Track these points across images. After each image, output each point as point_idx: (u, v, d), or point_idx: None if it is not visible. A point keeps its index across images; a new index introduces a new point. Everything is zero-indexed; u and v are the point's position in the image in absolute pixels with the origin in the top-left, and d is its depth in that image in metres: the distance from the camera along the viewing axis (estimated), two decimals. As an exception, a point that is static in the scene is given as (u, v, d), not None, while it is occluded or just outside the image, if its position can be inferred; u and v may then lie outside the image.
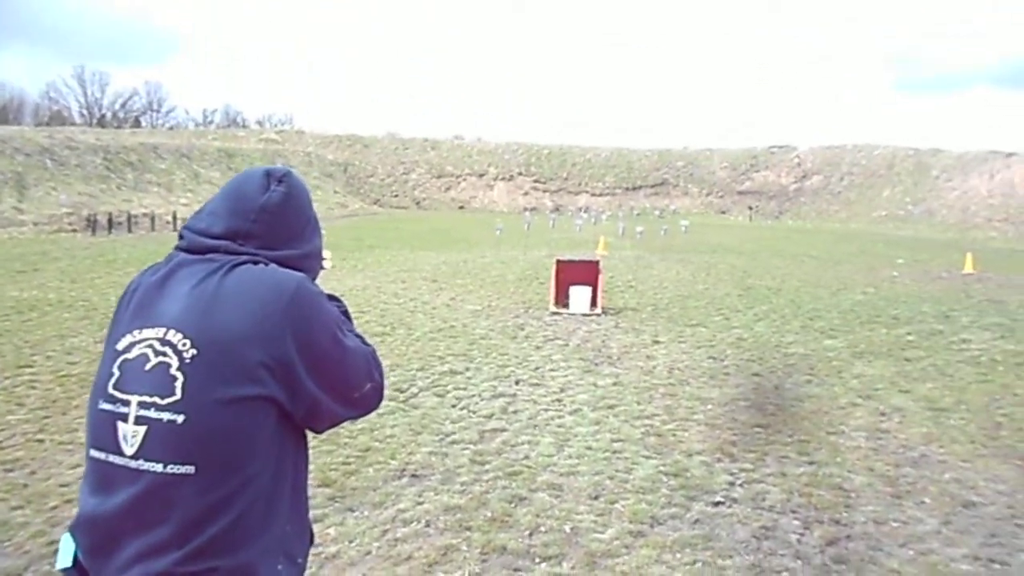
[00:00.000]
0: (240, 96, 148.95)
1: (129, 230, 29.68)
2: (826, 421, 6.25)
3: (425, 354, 8.49)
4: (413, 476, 4.88)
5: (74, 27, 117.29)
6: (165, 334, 1.34)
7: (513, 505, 4.44)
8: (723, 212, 63.61)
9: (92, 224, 28.49)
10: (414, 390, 6.97)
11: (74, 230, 28.25)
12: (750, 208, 62.09)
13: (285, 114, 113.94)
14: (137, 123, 78.13)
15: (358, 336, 1.54)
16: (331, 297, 1.61)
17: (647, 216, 53.76)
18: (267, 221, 1.46)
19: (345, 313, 1.60)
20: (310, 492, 4.52)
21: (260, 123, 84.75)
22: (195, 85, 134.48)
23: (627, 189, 66.68)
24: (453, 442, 5.54)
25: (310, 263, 1.54)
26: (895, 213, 53.09)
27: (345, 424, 6.07)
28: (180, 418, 1.29)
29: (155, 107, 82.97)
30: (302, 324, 1.37)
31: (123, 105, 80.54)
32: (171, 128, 75.38)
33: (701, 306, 12.57)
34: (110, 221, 29.28)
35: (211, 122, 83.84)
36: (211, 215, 1.48)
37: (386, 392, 5.80)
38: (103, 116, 77.15)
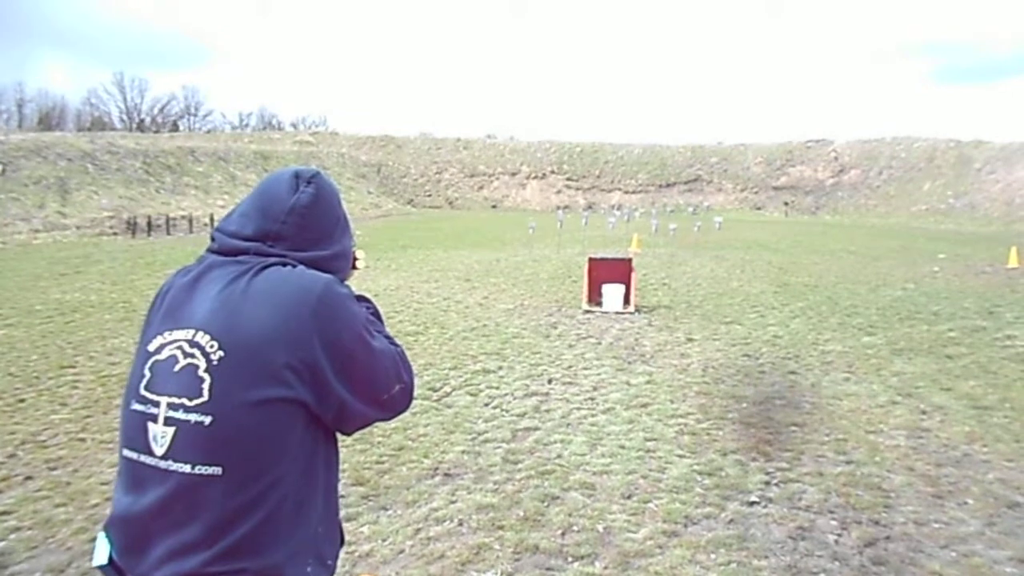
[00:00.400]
0: (275, 99, 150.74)
1: (168, 232, 30.23)
2: (865, 420, 6.16)
3: (458, 353, 8.53)
4: (446, 475, 4.91)
5: (113, 34, 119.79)
6: (194, 335, 1.36)
7: (546, 504, 4.44)
8: (758, 208, 62.90)
9: (132, 227, 29.06)
10: (447, 389, 7.00)
11: (115, 233, 28.85)
12: (786, 203, 61.31)
13: (319, 116, 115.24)
14: (175, 127, 79.53)
15: (387, 337, 1.54)
16: (360, 298, 1.60)
17: (681, 213, 53.36)
18: (296, 223, 1.47)
19: (375, 314, 1.60)
20: (343, 491, 4.57)
21: (295, 125, 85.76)
22: (231, 89, 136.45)
23: (660, 186, 66.25)
24: (486, 441, 5.56)
25: (340, 263, 1.55)
26: (936, 207, 52.01)
27: (377, 423, 6.14)
28: (207, 419, 1.30)
29: (192, 111, 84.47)
30: (329, 326, 1.37)
31: (161, 110, 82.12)
32: (208, 132, 76.62)
33: (736, 303, 12.45)
34: (149, 224, 29.84)
35: (247, 125, 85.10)
36: (241, 217, 1.49)
37: (419, 391, 5.78)
38: (142, 121, 78.68)
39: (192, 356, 1.34)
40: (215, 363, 1.32)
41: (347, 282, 1.71)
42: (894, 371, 7.82)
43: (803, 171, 65.39)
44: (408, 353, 8.25)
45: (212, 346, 1.33)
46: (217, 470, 1.29)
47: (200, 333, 1.35)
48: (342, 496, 4.49)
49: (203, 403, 1.31)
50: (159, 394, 1.34)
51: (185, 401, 1.32)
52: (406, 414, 6.06)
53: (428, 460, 5.15)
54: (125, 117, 78.55)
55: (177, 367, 1.34)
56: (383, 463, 5.09)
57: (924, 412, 6.40)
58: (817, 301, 12.69)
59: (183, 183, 39.63)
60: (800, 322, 10.73)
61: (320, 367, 1.35)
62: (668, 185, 66.42)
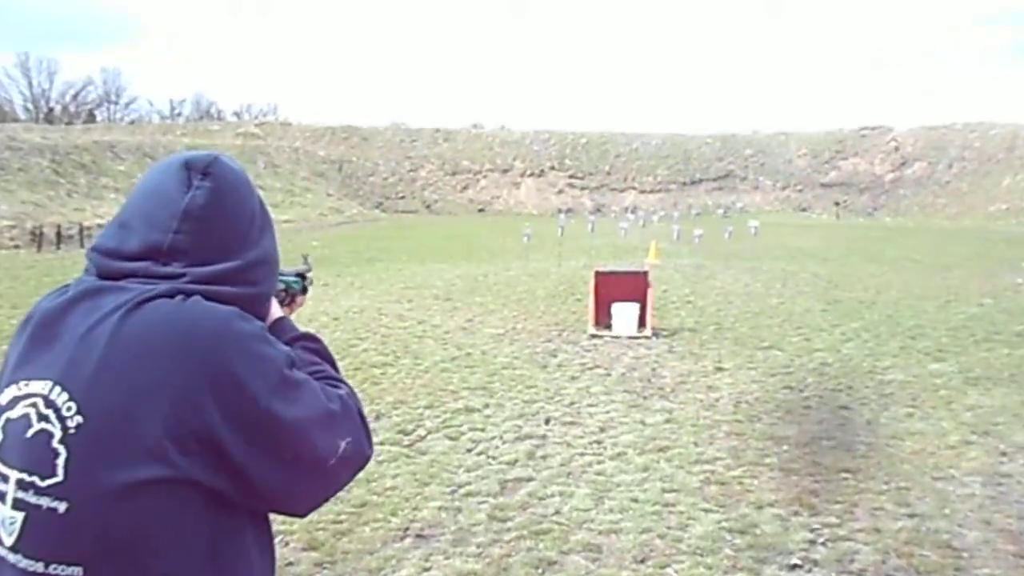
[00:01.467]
0: (214, 83, 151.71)
1: (81, 244, 30.17)
2: (931, 464, 6.16)
3: (435, 388, 8.51)
4: (419, 536, 4.89)
5: (15, 6, 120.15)
6: (50, 391, 1.25)
7: (541, 571, 4.42)
8: (803, 209, 63.27)
9: (38, 238, 29.02)
10: (421, 432, 6.98)
11: (16, 246, 28.79)
12: (836, 204, 61.69)
13: (268, 103, 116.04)
14: (91, 117, 79.68)
15: (329, 378, 1.45)
16: (304, 337, 1.53)
17: (708, 216, 53.61)
18: (194, 230, 1.36)
19: (320, 353, 1.52)
20: (291, 557, 4.55)
21: (238, 115, 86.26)
22: (161, 72, 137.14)
23: (683, 184, 66.62)
24: (468, 494, 5.53)
25: (260, 272, 1.44)
26: (1018, 205, 52.35)
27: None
28: (62, 506, 1.20)
29: (113, 98, 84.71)
30: (227, 380, 1.25)
31: (75, 97, 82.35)
32: (132, 123, 76.85)
33: (775, 324, 12.48)
34: (59, 235, 29.80)
35: (179, 115, 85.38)
36: (121, 229, 1.38)
37: (387, 434, 5.81)
38: (51, 110, 78.83)
39: (46, 419, 1.24)
40: (72, 432, 1.22)
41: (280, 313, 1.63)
42: (968, 404, 7.83)
43: (857, 164, 65.88)
44: (375, 389, 8.18)
45: (69, 408, 1.23)
46: (76, 571, 1.21)
47: (57, 389, 1.25)
48: (289, 564, 4.46)
49: (56, 484, 1.21)
50: (9, 466, 1.25)
51: (36, 480, 1.22)
52: (370, 464, 6.03)
53: (397, 519, 5.13)
54: (30, 106, 78.71)
55: (29, 432, 1.24)
56: (341, 522, 5.06)
57: (1004, 454, 6.40)
58: (874, 321, 12.74)
59: (100, 185, 39.64)
60: (854, 346, 10.75)
61: (219, 438, 1.24)
62: (693, 183, 66.82)
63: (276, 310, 1.58)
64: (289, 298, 1.80)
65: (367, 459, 1.44)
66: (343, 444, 1.36)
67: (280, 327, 1.54)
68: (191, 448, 1.22)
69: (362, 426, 1.43)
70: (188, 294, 1.31)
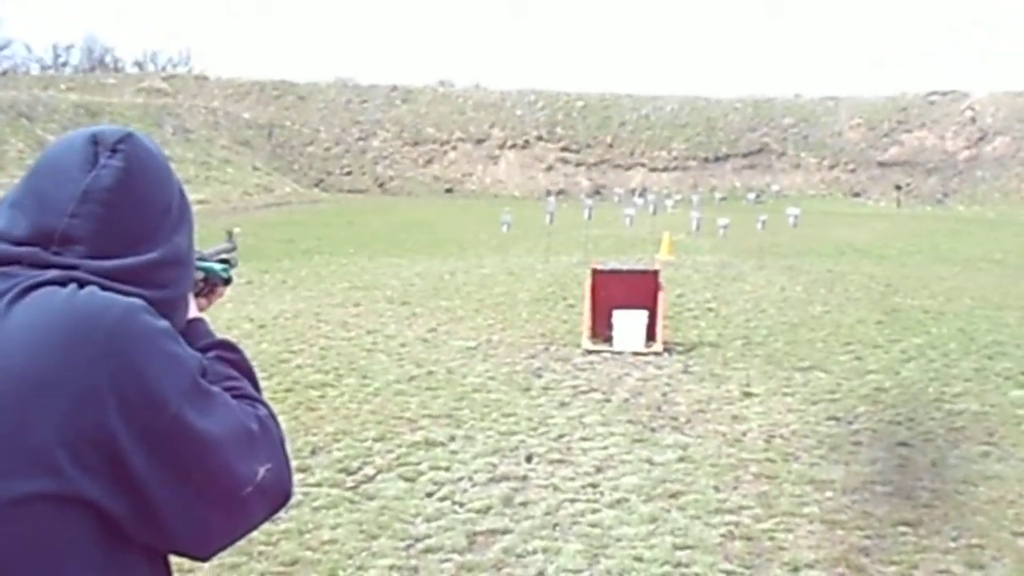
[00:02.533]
0: (109, 25, 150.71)
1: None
2: (1012, 515, 6.20)
3: (387, 416, 8.49)
4: (364, 603, 4.88)
5: None
6: None
7: (518, 648, 4.42)
8: (856, 194, 63.69)
9: None
10: (369, 471, 6.96)
11: None
12: (898, 188, 62.11)
13: (178, 52, 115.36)
14: (-50, 65, 78.99)
15: (248, 397, 1.50)
16: (221, 344, 1.57)
17: (736, 202, 53.82)
18: (94, 214, 1.40)
19: (237, 366, 1.56)
20: (202, 628, 4.53)
21: (140, 65, 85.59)
22: (41, 9, 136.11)
23: (705, 160, 66.91)
24: (427, 550, 5.53)
25: (170, 274, 1.48)
26: (1124, 193, 52.89)
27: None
28: None
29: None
30: (130, 379, 1.30)
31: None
32: (3, 74, 76.20)
33: (819, 339, 12.54)
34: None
35: (65, 64, 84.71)
36: (12, 209, 1.43)
37: (326, 473, 5.80)
38: None
39: None
40: None
41: (198, 311, 1.66)
42: (1058, 442, 7.90)
43: (924, 139, 66.38)
44: (311, 416, 8.21)
45: None
46: None
47: None
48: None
49: None
50: None
51: None
52: (304, 510, 6.04)
53: (337, 581, 5.12)
54: None
55: None
56: (266, 585, 5.05)
57: (1102, 504, 6.46)
58: (943, 336, 12.82)
59: (-38, 152, 39.30)
60: (916, 367, 10.81)
61: (119, 447, 1.28)
62: (718, 159, 67.14)
63: (192, 309, 1.62)
64: (208, 288, 1.82)
65: (287, 496, 1.49)
66: (262, 471, 1.41)
67: (194, 330, 1.57)
68: (86, 458, 1.26)
69: (284, 456, 1.48)
70: (82, 284, 1.35)
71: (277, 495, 1.47)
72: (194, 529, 1.37)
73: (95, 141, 1.44)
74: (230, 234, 2.04)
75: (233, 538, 1.45)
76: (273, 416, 1.51)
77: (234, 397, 1.44)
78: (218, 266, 1.82)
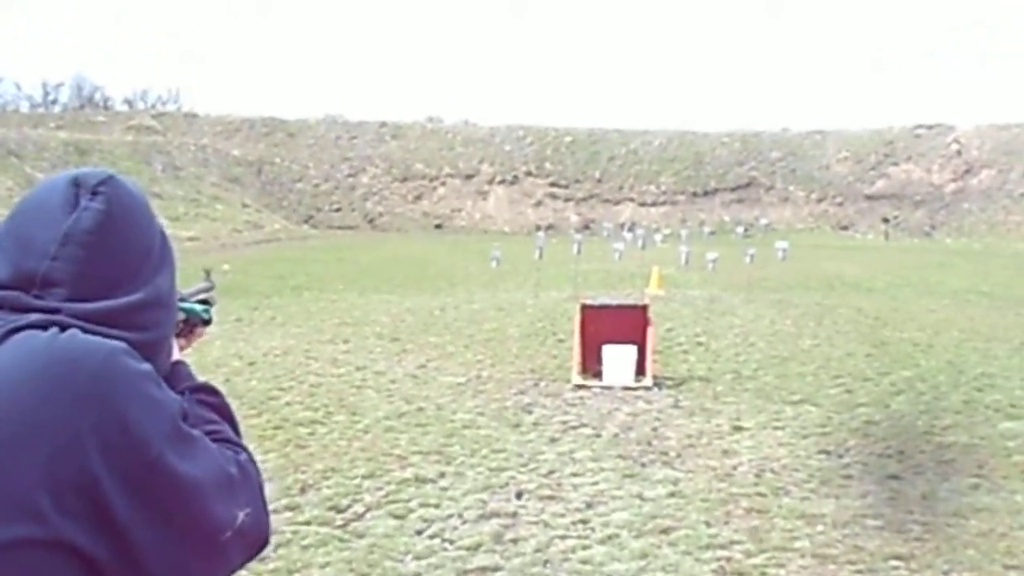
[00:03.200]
0: (99, 63, 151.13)
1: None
2: (1003, 548, 6.20)
3: (377, 453, 8.48)
4: (353, 643, 4.85)
5: None
6: None
7: None
8: (844, 227, 63.89)
9: None
10: (358, 508, 6.94)
11: None
12: (885, 221, 62.34)
13: (168, 90, 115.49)
14: (-60, 104, 79.07)
15: (227, 441, 1.51)
16: (202, 388, 1.58)
17: (725, 235, 53.98)
18: (75, 257, 1.41)
19: (216, 408, 1.57)
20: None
21: (130, 103, 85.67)
22: (31, 46, 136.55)
23: (694, 194, 67.12)
24: (417, 589, 5.50)
25: (152, 316, 1.49)
26: (1110, 225, 53.18)
27: (249, 564, 6.05)
28: None
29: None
30: (113, 423, 1.30)
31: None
32: (-8, 111, 76.23)
33: (809, 373, 12.56)
34: None
35: (55, 101, 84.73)
36: None
37: (316, 511, 5.76)
38: None
39: None
40: None
41: (178, 353, 1.67)
42: (1048, 474, 7.91)
43: (911, 172, 66.73)
44: (300, 453, 8.19)
45: None
46: None
47: None
48: None
49: None
50: None
51: None
52: (293, 549, 6.00)
53: (326, 620, 5.10)
54: None
55: None
56: (255, 626, 5.02)
57: (1093, 536, 6.46)
58: (932, 368, 12.84)
59: (-49, 191, 39.27)
60: (906, 400, 10.84)
61: (102, 491, 1.28)
62: (706, 193, 67.34)
63: (174, 352, 1.63)
64: (188, 329, 1.82)
65: (265, 541, 1.52)
66: (241, 515, 1.42)
67: (176, 373, 1.59)
68: (69, 504, 1.26)
69: (262, 501, 1.49)
70: (64, 327, 1.35)
71: (256, 540, 1.48)
72: (175, 573, 1.37)
73: (76, 183, 1.45)
74: (208, 273, 2.04)
75: None
76: (252, 460, 1.52)
77: (214, 441, 1.46)
78: (199, 307, 1.83)
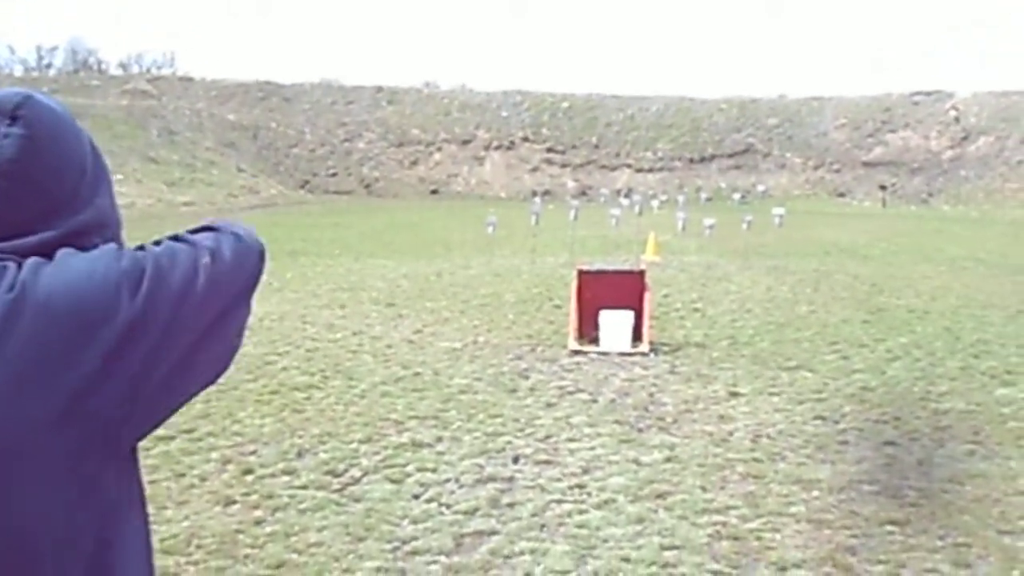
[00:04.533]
0: (94, 26, 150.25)
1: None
2: (997, 513, 6.21)
3: (373, 417, 8.48)
4: (350, 606, 4.87)
5: None
6: None
7: (506, 649, 4.42)
8: (841, 194, 63.89)
9: None
10: (355, 472, 6.94)
11: None
12: (883, 188, 62.36)
13: (163, 53, 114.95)
14: (-68, 67, 78.63)
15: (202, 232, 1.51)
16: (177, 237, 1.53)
17: (722, 202, 53.95)
18: (3, 190, 1.32)
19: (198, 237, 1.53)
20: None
21: (124, 67, 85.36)
22: (25, 10, 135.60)
23: (691, 161, 67.05)
24: (414, 552, 5.52)
25: (97, 238, 1.42)
26: (1107, 193, 53.18)
27: (245, 528, 6.00)
28: None
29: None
30: (155, 341, 1.31)
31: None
32: (-14, 75, 75.85)
33: (805, 339, 12.57)
34: None
35: (49, 65, 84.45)
36: None
37: (313, 475, 5.71)
38: None
39: None
40: None
41: None
42: (1043, 440, 7.94)
43: (908, 139, 66.66)
44: (297, 417, 8.23)
45: None
46: None
47: None
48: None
49: None
50: None
51: None
52: (292, 512, 6.02)
53: (323, 583, 5.10)
54: None
55: None
56: (252, 589, 5.03)
57: (1087, 502, 6.49)
58: (928, 335, 12.87)
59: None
60: (902, 366, 10.85)
61: (143, 374, 1.30)
62: (703, 159, 67.28)
63: None
64: None
65: (256, 272, 1.61)
66: (206, 257, 1.42)
67: None
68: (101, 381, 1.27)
69: (229, 231, 1.53)
70: (3, 263, 1.29)
71: (240, 254, 1.53)
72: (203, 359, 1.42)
73: None
74: None
75: (231, 319, 1.52)
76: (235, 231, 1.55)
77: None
78: None
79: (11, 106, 1.34)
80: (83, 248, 1.36)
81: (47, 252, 1.32)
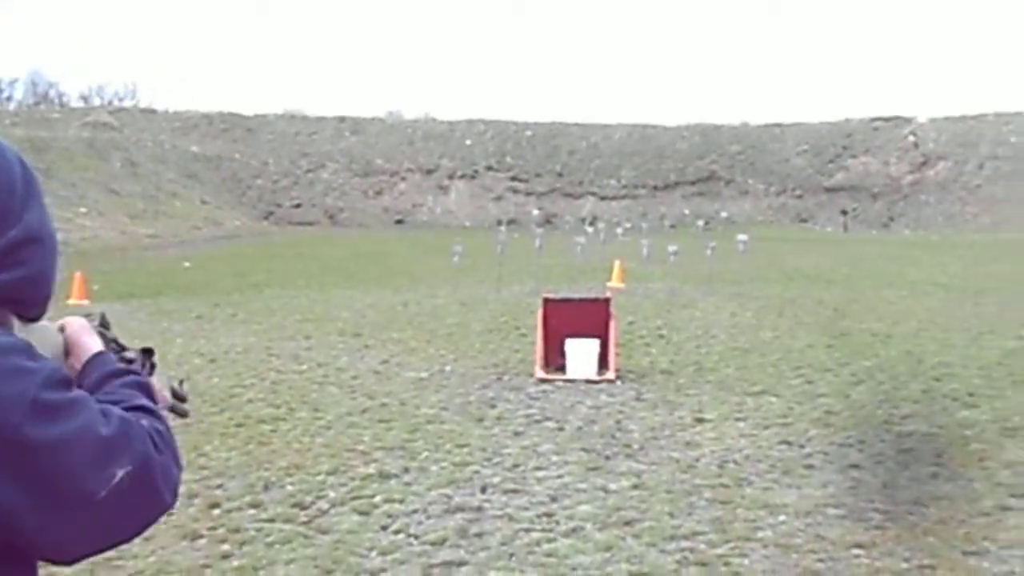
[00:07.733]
0: (55, 58, 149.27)
1: None
2: (961, 534, 6.26)
3: (340, 449, 8.46)
4: (319, 639, 4.84)
5: None
6: None
7: None
8: (803, 220, 64.28)
9: None
10: (322, 505, 6.92)
11: None
12: (844, 213, 62.79)
13: (124, 85, 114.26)
14: None
15: (140, 408, 1.46)
16: (113, 374, 1.54)
17: (686, 229, 54.13)
18: None
19: (138, 385, 1.53)
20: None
21: (86, 99, 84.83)
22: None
23: (655, 188, 67.28)
24: (382, 584, 5.49)
25: (27, 253, 1.43)
26: (1065, 216, 53.81)
27: (212, 563, 5.96)
28: None
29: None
30: None
31: None
32: (-56, 109, 75.19)
33: (770, 364, 12.65)
34: None
35: (9, 98, 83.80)
36: None
37: (279, 509, 5.71)
38: None
39: None
40: None
41: (100, 345, 1.62)
42: (1006, 461, 7.97)
43: (869, 164, 67.22)
44: (263, 450, 8.14)
45: None
46: None
47: None
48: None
49: None
50: None
51: None
52: (258, 545, 5.98)
53: (291, 617, 5.09)
54: None
55: None
56: (219, 624, 5.00)
57: (1050, 522, 6.54)
58: (891, 358, 12.97)
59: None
60: (866, 390, 10.93)
61: None
62: (667, 186, 67.51)
63: (95, 343, 1.59)
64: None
65: (163, 505, 1.43)
66: (120, 473, 1.35)
67: (100, 361, 1.56)
68: None
69: (154, 460, 1.42)
70: None
71: (145, 500, 1.41)
72: (53, 536, 1.34)
73: None
74: (102, 316, 1.79)
75: (99, 545, 1.40)
76: (165, 428, 1.48)
77: (127, 409, 1.42)
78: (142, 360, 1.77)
79: None
80: (10, 263, 1.38)
81: None
